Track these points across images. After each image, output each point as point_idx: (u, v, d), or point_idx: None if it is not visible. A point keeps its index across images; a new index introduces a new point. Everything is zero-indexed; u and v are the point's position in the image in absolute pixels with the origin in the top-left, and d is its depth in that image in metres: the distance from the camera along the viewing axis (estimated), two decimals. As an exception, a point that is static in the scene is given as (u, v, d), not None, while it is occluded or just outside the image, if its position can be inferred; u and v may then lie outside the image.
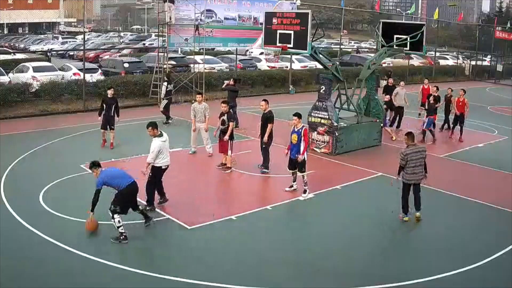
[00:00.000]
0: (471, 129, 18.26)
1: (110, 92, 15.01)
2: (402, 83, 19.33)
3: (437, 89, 18.06)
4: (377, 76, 17.21)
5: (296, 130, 11.31)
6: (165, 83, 18.74)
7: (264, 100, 13.03)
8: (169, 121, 18.35)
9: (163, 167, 10.12)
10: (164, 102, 18.54)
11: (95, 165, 8.96)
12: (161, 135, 10.04)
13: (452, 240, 9.58)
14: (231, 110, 13.53)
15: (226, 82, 20.43)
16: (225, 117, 12.96)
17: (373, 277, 8.02)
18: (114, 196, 8.83)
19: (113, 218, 8.68)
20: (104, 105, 14.66)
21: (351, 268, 8.36)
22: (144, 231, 9.42)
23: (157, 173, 10.12)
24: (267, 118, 12.81)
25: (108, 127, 14.72)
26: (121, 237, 8.75)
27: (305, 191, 11.44)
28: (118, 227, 8.72)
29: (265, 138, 12.75)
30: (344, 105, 16.20)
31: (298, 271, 8.21)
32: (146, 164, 9.91)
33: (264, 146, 12.93)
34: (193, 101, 22.78)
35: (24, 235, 8.99)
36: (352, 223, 10.27)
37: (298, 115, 11.42)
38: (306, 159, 11.39)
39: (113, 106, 14.72)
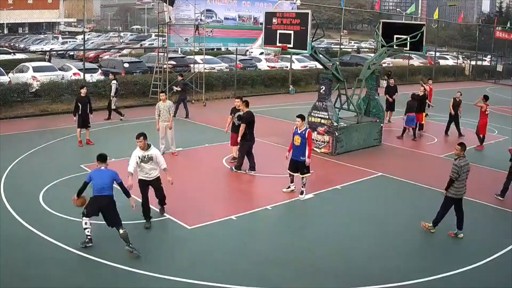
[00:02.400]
0: (471, 129, 18.25)
1: (83, 91, 15.26)
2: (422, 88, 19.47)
3: (425, 89, 18.20)
4: (377, 76, 17.22)
5: (299, 132, 11.28)
6: (115, 81, 18.94)
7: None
8: (122, 117, 18.92)
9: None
10: (115, 99, 18.90)
11: (98, 158, 8.82)
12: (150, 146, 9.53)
13: (452, 240, 9.58)
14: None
15: (175, 86, 20.34)
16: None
17: (373, 277, 8.02)
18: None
19: (82, 219, 8.55)
20: (79, 105, 14.89)
21: (351, 268, 8.36)
22: (144, 231, 9.43)
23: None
24: (242, 118, 12.83)
25: (83, 125, 15.07)
26: (86, 240, 8.53)
27: (302, 192, 11.42)
28: (84, 229, 8.51)
29: (239, 139, 12.75)
30: (344, 105, 16.21)
31: (298, 271, 8.21)
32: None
33: (247, 148, 12.91)
34: (193, 100, 22.90)
35: (24, 235, 8.99)
36: (352, 223, 10.27)
37: (302, 117, 11.38)
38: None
39: (87, 104, 15.10)
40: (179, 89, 20.04)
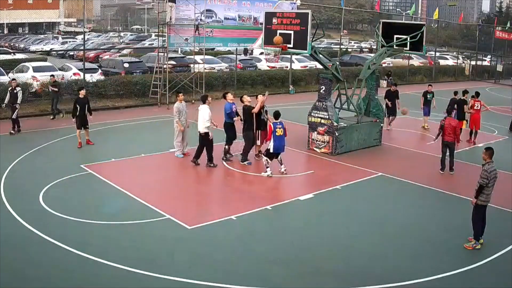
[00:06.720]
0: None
1: (82, 93, 15.31)
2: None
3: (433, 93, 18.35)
4: (377, 76, 17.23)
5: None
6: (19, 88, 17.01)
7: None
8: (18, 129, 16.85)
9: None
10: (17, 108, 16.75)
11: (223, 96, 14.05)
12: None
13: (452, 240, 9.58)
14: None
15: (52, 87, 19.48)
16: (266, 108, 14.22)
17: (373, 277, 8.02)
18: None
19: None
20: (78, 106, 14.94)
21: (351, 268, 8.37)
22: (143, 231, 9.43)
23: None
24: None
25: (82, 126, 15.08)
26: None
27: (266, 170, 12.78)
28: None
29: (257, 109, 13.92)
30: (344, 105, 16.21)
31: (298, 271, 8.21)
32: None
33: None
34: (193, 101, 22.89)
35: (24, 235, 9.00)
36: (352, 223, 10.27)
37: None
38: (268, 148, 12.76)
39: (86, 106, 15.18)
40: (56, 89, 19.23)
